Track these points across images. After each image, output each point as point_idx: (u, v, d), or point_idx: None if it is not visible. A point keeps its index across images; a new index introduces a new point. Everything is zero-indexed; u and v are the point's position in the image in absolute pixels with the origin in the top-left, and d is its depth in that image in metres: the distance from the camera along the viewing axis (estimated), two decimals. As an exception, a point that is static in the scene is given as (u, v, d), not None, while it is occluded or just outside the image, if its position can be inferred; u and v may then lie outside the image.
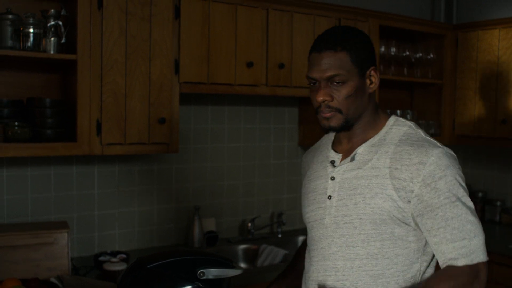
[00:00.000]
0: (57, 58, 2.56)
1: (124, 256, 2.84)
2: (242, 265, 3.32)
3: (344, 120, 1.62)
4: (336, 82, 1.59)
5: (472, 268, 1.52)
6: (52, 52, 2.52)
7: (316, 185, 1.75)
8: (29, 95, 2.72)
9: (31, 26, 2.48)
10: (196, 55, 2.86)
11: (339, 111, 1.61)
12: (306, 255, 1.81)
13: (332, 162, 1.72)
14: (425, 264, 1.64)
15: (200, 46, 2.87)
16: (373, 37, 3.49)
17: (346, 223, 1.64)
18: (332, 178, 1.69)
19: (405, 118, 3.85)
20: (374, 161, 1.63)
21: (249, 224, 3.47)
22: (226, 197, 3.48)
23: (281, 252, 3.20)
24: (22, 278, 2.45)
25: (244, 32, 3.00)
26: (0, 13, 2.50)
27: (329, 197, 1.69)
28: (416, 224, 1.60)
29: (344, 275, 1.64)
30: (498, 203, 3.99)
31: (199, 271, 1.49)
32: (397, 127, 1.68)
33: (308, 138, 3.62)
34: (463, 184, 1.58)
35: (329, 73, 1.59)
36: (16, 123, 2.47)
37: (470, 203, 1.56)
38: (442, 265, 1.56)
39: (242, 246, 3.37)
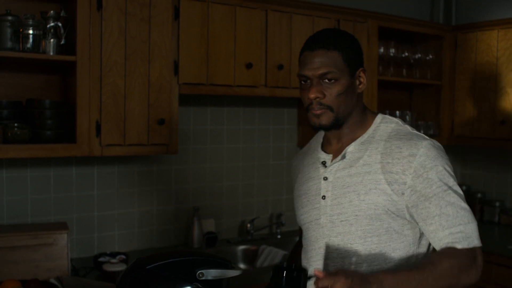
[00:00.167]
0: (56, 60, 2.56)
1: (123, 257, 2.84)
2: (242, 265, 3.32)
3: (334, 118, 1.66)
4: (328, 80, 1.64)
5: (470, 252, 1.56)
6: (51, 53, 2.53)
7: (309, 186, 1.79)
8: (28, 96, 2.72)
9: (31, 28, 2.48)
10: (196, 56, 2.86)
11: (330, 108, 1.65)
12: (303, 256, 1.83)
13: (323, 163, 1.75)
14: (420, 257, 1.68)
15: (199, 47, 2.87)
16: (372, 38, 3.50)
17: (342, 221, 1.67)
18: (325, 179, 1.72)
19: (404, 119, 3.89)
20: (365, 158, 1.67)
21: (249, 225, 3.47)
22: (225, 198, 3.49)
23: (280, 253, 3.21)
24: (21, 279, 2.45)
25: (243, 33, 3.01)
26: (-1, 14, 2.51)
27: (323, 197, 1.72)
28: (411, 216, 1.63)
29: None
30: (497, 204, 3.99)
31: (198, 272, 1.50)
32: (385, 124, 1.73)
33: (307, 139, 3.59)
34: (452, 173, 1.63)
35: (322, 71, 1.63)
36: (15, 124, 2.47)
37: (460, 191, 1.62)
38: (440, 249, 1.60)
39: (242, 247, 3.37)
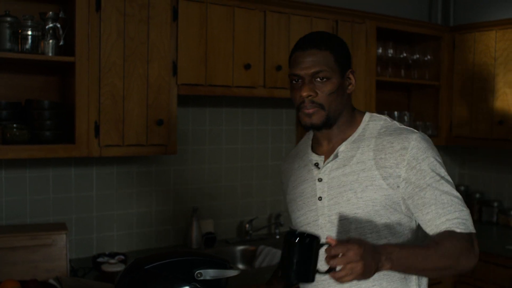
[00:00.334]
0: (55, 60, 2.56)
1: (122, 257, 2.85)
2: (240, 266, 3.33)
3: (325, 117, 1.67)
4: (320, 78, 1.66)
5: (468, 236, 1.58)
6: (50, 54, 2.53)
7: (303, 189, 1.79)
8: (27, 97, 2.73)
9: (30, 29, 2.49)
10: (194, 57, 2.87)
11: (321, 106, 1.66)
12: None
13: (316, 165, 1.76)
14: None
15: (198, 48, 2.88)
16: (370, 39, 3.51)
17: (342, 220, 1.69)
18: (320, 180, 1.74)
19: (403, 119, 3.90)
20: (358, 156, 1.69)
21: (247, 225, 3.48)
22: (224, 198, 3.49)
23: (279, 253, 3.21)
24: (20, 280, 2.45)
25: (241, 34, 3.01)
26: (-2, 15, 2.51)
27: (320, 199, 1.73)
28: (407, 208, 1.65)
29: None
30: (495, 204, 4.00)
31: (197, 272, 1.50)
32: (374, 122, 1.75)
33: (306, 139, 3.62)
34: (442, 164, 1.66)
35: (314, 69, 1.65)
36: (14, 125, 2.47)
37: (451, 180, 1.65)
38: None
39: (240, 247, 3.38)
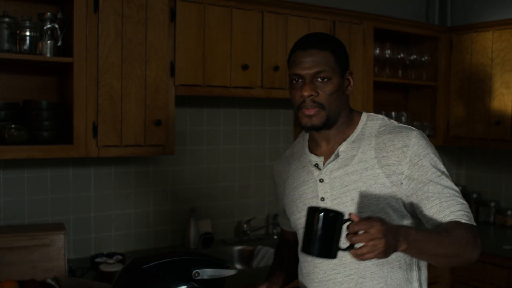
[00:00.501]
0: (53, 61, 2.57)
1: (120, 257, 2.85)
2: (238, 266, 3.34)
3: (326, 117, 1.68)
4: (321, 79, 1.66)
5: (472, 228, 1.61)
6: (48, 55, 2.54)
7: (303, 190, 1.79)
8: (25, 97, 2.73)
9: (28, 29, 2.49)
10: (192, 58, 2.88)
11: (322, 106, 1.66)
12: (303, 259, 1.83)
13: (316, 165, 1.77)
14: None
15: (195, 48, 2.89)
16: (368, 40, 3.52)
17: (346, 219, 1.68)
18: (321, 181, 1.74)
19: (400, 119, 3.91)
20: (360, 155, 1.70)
21: (245, 226, 3.49)
22: (222, 198, 3.50)
23: (276, 253, 3.22)
24: (19, 280, 2.46)
25: (239, 35, 3.02)
26: (-4, 16, 2.52)
27: (322, 199, 1.73)
28: (410, 205, 1.67)
29: (351, 269, 1.70)
30: (492, 204, 4.01)
31: (194, 272, 1.51)
32: (372, 122, 1.77)
33: (304, 140, 3.63)
34: (440, 159, 1.70)
35: (316, 69, 1.65)
36: (12, 126, 2.48)
37: (449, 175, 1.69)
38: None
39: (238, 247, 3.38)
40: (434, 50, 4.00)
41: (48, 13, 2.56)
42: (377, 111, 3.68)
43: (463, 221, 1.60)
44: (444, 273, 3.52)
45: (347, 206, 1.68)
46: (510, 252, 3.27)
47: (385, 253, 1.38)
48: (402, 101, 4.25)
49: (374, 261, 1.67)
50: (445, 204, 1.62)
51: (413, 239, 1.45)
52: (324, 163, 1.76)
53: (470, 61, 3.86)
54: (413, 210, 1.68)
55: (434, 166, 1.65)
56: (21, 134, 2.49)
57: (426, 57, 3.96)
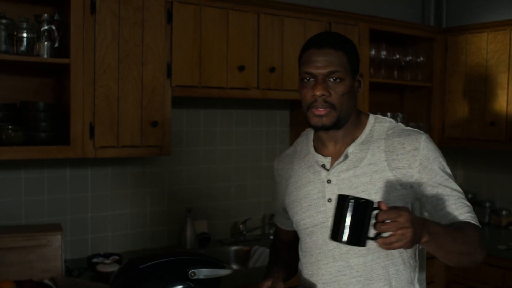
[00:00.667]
0: (50, 62, 2.58)
1: (117, 257, 2.86)
2: (234, 266, 3.35)
3: (337, 118, 1.66)
4: (334, 79, 1.64)
5: (479, 230, 1.63)
6: (45, 56, 2.55)
7: (309, 190, 1.77)
8: (22, 98, 2.74)
9: (25, 31, 2.50)
10: (188, 59, 2.89)
11: (333, 107, 1.65)
12: (306, 259, 1.82)
13: (323, 166, 1.75)
14: (420, 247, 1.73)
15: (192, 50, 2.90)
16: (363, 41, 3.53)
17: None
18: (329, 182, 1.72)
19: (396, 120, 3.91)
20: (369, 157, 1.69)
21: (241, 226, 3.50)
22: (218, 199, 3.51)
23: (272, 254, 3.23)
24: (16, 280, 2.47)
25: (235, 36, 3.03)
26: (-6, 17, 2.52)
27: (329, 200, 1.72)
28: (421, 206, 1.69)
29: (358, 271, 1.69)
30: (487, 205, 4.03)
31: (190, 271, 1.53)
32: (380, 124, 1.76)
33: (300, 140, 3.64)
34: (446, 163, 1.72)
35: (330, 69, 1.64)
36: (10, 127, 2.49)
37: (454, 178, 1.71)
38: None
39: (234, 248, 3.40)
40: (429, 51, 4.02)
41: (45, 15, 2.58)
42: (372, 112, 3.67)
43: (473, 222, 1.62)
44: (440, 273, 3.54)
45: None
46: (504, 252, 3.29)
47: (412, 243, 1.39)
48: (397, 102, 4.27)
49: (381, 263, 1.68)
50: (454, 207, 1.63)
51: (434, 231, 1.46)
52: (331, 164, 1.74)
53: (465, 62, 3.88)
54: (421, 212, 1.69)
55: (442, 170, 1.67)
56: (18, 135, 2.50)
57: (421, 58, 3.98)
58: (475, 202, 4.11)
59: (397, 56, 3.87)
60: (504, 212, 3.93)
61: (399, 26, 3.79)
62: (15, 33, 2.50)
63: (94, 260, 2.82)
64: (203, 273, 1.54)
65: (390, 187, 1.65)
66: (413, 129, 1.74)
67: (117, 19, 2.67)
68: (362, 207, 1.41)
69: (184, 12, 2.87)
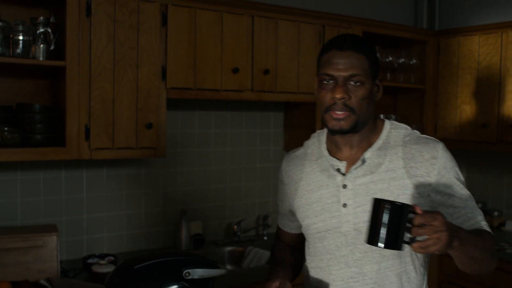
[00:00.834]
0: (46, 65, 2.59)
1: (112, 258, 2.88)
2: (228, 266, 3.37)
3: (355, 121, 1.63)
4: (354, 82, 1.61)
5: (493, 237, 1.64)
6: (41, 58, 2.56)
7: (322, 194, 1.74)
8: (18, 100, 2.75)
9: (21, 33, 2.51)
10: (183, 62, 2.91)
11: (353, 111, 1.62)
12: (314, 264, 1.79)
13: (338, 170, 1.71)
14: (429, 255, 1.75)
15: (187, 52, 2.92)
16: (357, 44, 3.55)
17: None
18: (344, 186, 1.69)
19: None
20: (387, 164, 1.66)
21: (235, 227, 3.52)
22: (212, 200, 3.53)
23: (266, 254, 3.25)
24: (12, 281, 2.49)
25: (230, 39, 3.06)
26: (-10, 20, 2.54)
27: (344, 205, 1.69)
28: None
29: (371, 278, 1.68)
30: (479, 205, 3.99)
31: (185, 271, 1.54)
32: (396, 130, 1.73)
33: (293, 142, 3.67)
34: (460, 170, 1.72)
35: (351, 72, 1.61)
36: (5, 129, 2.50)
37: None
38: None
39: (229, 248, 3.42)
40: (422, 53, 4.05)
41: (41, 17, 2.59)
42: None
43: (488, 230, 1.63)
44: (432, 272, 3.57)
45: None
46: (496, 252, 3.31)
47: (446, 247, 1.39)
48: (390, 104, 4.30)
49: (394, 270, 1.67)
50: (470, 215, 1.64)
51: (462, 237, 1.46)
52: (347, 168, 1.71)
53: (457, 65, 3.91)
54: None
55: (458, 179, 1.66)
56: (14, 137, 2.51)
57: (414, 61, 4.00)
58: (467, 203, 4.14)
59: (390, 58, 3.89)
60: (496, 213, 3.96)
61: (392, 28, 3.81)
62: (11, 35, 2.52)
63: (90, 260, 2.84)
64: (197, 273, 1.56)
65: (408, 194, 1.62)
66: (429, 137, 1.72)
67: (112, 22, 2.68)
68: (399, 211, 1.41)
69: (179, 15, 2.89)
